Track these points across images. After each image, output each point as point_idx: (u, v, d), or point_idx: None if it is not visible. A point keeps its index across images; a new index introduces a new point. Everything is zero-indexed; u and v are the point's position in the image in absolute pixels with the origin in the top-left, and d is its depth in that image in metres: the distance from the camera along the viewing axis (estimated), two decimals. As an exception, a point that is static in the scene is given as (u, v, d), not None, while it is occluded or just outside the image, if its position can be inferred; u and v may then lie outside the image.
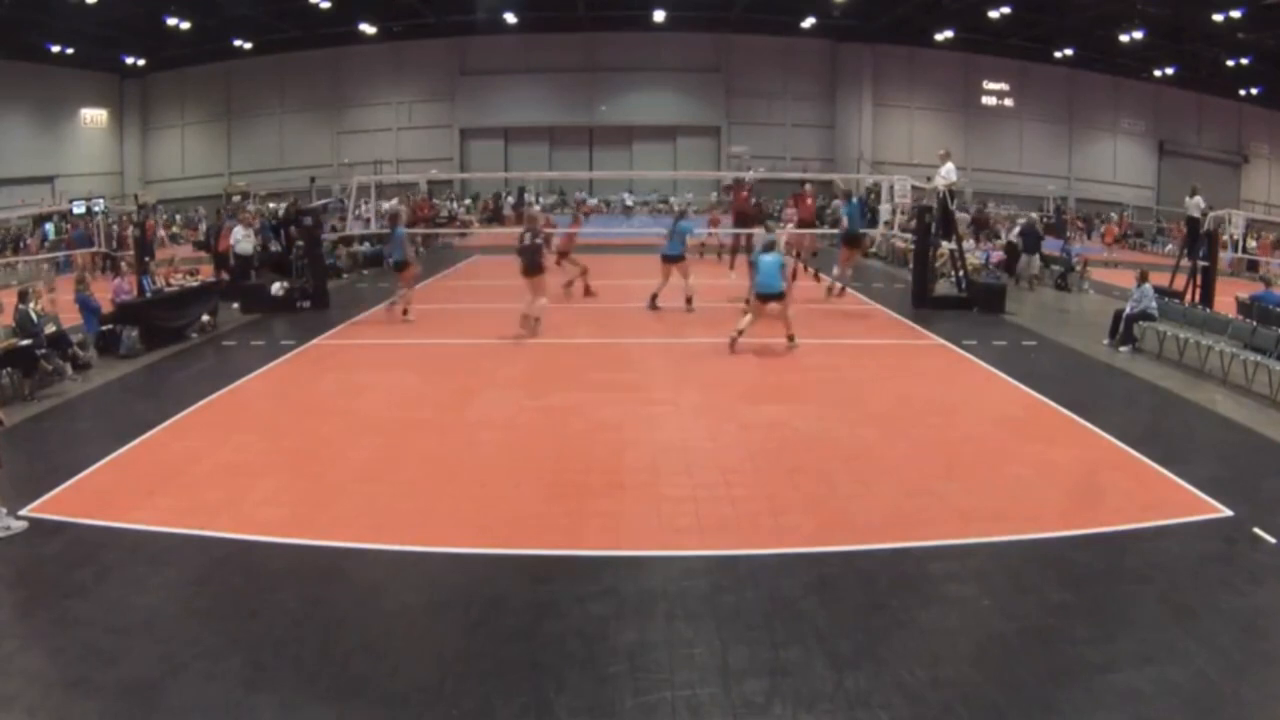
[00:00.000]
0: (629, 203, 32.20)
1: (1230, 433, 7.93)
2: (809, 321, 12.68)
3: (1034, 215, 20.59)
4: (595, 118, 33.34)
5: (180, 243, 25.68)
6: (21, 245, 22.20)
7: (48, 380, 9.22)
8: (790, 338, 10.82)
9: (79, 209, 22.97)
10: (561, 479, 6.46)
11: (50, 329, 9.64)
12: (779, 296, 10.62)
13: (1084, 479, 6.62)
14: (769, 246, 10.93)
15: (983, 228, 23.04)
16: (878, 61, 33.55)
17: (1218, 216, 14.49)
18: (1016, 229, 19.62)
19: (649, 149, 33.58)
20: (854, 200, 15.07)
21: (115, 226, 19.99)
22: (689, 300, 13.21)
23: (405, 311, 12.93)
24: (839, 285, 14.66)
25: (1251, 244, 21.65)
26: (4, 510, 5.60)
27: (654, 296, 13.16)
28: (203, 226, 25.03)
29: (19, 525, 5.58)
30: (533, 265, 11.43)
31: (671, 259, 13.12)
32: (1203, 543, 5.45)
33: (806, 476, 6.54)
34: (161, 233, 23.55)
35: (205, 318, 12.44)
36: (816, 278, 15.93)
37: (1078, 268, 17.86)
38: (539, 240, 11.63)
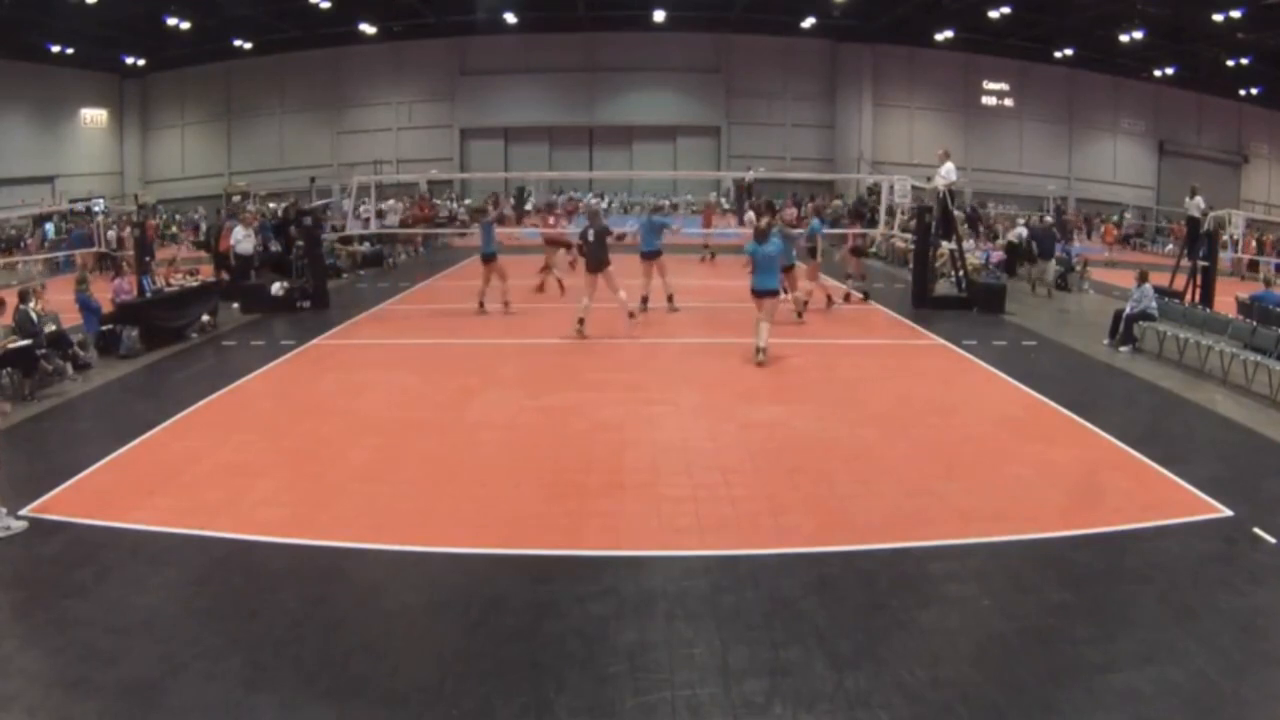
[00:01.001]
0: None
1: (1230, 433, 7.94)
2: (808, 321, 12.69)
3: (1049, 218, 20.52)
4: (595, 117, 33.35)
5: (179, 243, 25.66)
6: (22, 245, 22.20)
7: (48, 380, 9.22)
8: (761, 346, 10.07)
9: (79, 209, 22.98)
10: (561, 479, 6.46)
11: (50, 328, 9.64)
12: (774, 294, 10.43)
13: (1084, 479, 6.62)
14: (763, 233, 10.28)
15: (975, 227, 22.96)
16: (878, 61, 33.55)
17: (1218, 216, 14.49)
18: (1019, 230, 19.60)
19: (649, 149, 33.59)
20: (817, 220, 14.96)
21: (114, 229, 19.94)
22: (670, 298, 13.14)
23: (507, 304, 13.10)
24: (856, 293, 14.64)
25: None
26: (4, 510, 5.60)
27: (644, 299, 12.88)
28: (203, 226, 25.01)
29: (19, 525, 5.58)
30: (599, 260, 11.46)
31: (648, 255, 13.03)
32: (1203, 543, 5.45)
33: (806, 476, 6.54)
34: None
35: (205, 318, 12.44)
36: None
37: (1078, 268, 17.84)
38: (606, 233, 11.64)
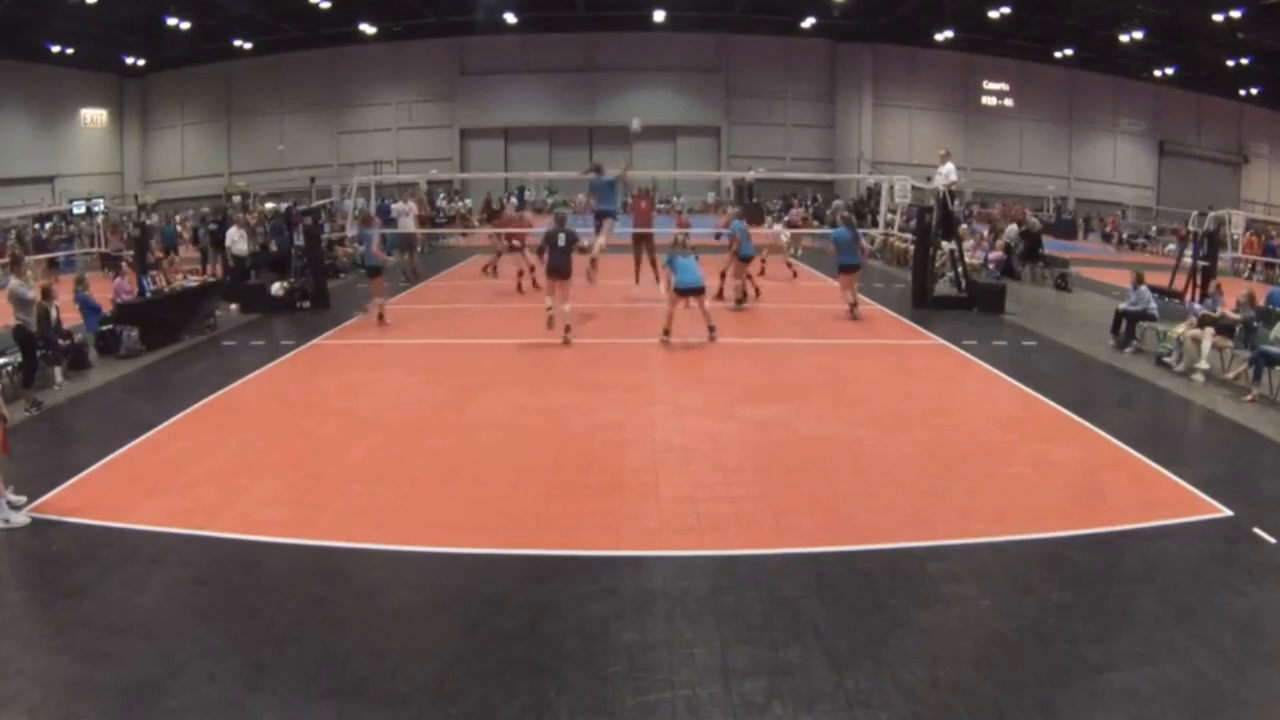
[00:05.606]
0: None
1: (1230, 433, 7.94)
2: (808, 322, 12.70)
3: (1035, 220, 20.47)
4: (595, 117, 33.24)
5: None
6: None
7: (45, 380, 9.23)
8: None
9: (79, 209, 22.96)
10: (561, 479, 6.46)
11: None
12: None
13: (1084, 479, 6.62)
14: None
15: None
16: (878, 61, 33.56)
17: (1218, 216, 14.48)
18: (1010, 229, 19.60)
19: (649, 149, 33.56)
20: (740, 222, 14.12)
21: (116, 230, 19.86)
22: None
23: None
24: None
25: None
26: (5, 502, 5.60)
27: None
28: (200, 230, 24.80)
29: (20, 520, 5.58)
30: (563, 267, 10.88)
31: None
32: (1203, 543, 5.45)
33: (806, 476, 6.54)
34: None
35: (205, 318, 12.45)
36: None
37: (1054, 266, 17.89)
38: (574, 240, 11.19)
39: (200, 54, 31.26)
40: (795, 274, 17.18)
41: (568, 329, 11.02)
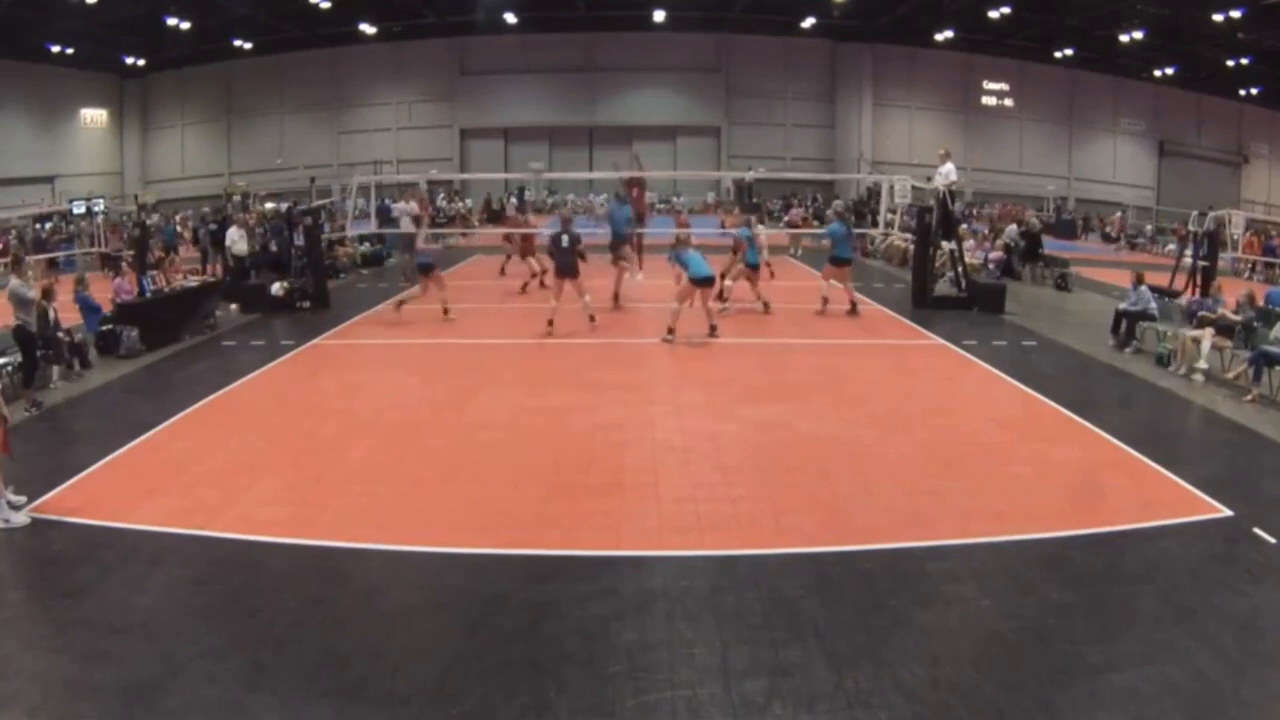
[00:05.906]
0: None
1: (1230, 433, 7.93)
2: (808, 322, 12.71)
3: (1035, 220, 20.42)
4: (595, 117, 33.19)
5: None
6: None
7: (44, 379, 9.23)
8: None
9: (79, 209, 22.97)
10: (561, 479, 6.46)
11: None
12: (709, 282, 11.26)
13: (1084, 479, 6.62)
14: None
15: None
16: (878, 61, 33.58)
17: (1218, 216, 14.48)
18: (1010, 229, 19.58)
19: (649, 149, 33.56)
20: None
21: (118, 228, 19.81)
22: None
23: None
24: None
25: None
26: (5, 502, 5.60)
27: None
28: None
29: (20, 520, 5.58)
30: (570, 265, 11.58)
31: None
32: (1203, 543, 5.45)
33: (806, 476, 6.53)
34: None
35: (205, 318, 12.45)
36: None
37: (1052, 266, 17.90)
38: (578, 240, 11.82)
39: (200, 54, 31.28)
40: (772, 275, 17.07)
41: (592, 318, 11.82)
